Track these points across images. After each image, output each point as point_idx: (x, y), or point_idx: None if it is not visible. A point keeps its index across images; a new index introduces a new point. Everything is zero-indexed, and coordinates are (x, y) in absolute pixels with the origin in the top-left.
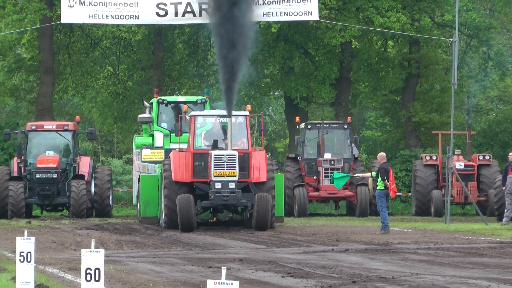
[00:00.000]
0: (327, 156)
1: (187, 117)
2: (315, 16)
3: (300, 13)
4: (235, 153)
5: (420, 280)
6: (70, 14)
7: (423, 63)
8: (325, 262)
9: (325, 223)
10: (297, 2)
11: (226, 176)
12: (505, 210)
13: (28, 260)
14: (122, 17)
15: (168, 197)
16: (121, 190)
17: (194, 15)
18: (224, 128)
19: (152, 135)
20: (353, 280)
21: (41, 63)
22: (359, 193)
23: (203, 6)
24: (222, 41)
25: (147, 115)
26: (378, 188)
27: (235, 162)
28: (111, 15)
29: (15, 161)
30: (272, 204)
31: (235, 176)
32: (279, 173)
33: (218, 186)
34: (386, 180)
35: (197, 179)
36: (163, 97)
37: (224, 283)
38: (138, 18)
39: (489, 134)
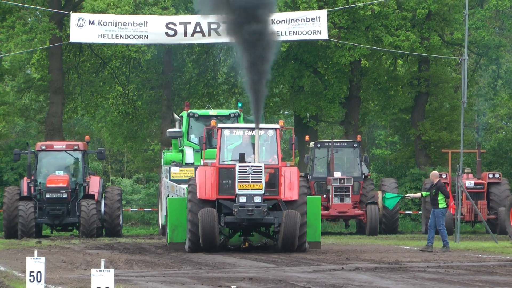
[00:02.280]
0: (337, 174)
1: (215, 131)
2: (324, 35)
3: (309, 32)
4: (261, 164)
5: None
6: (79, 33)
7: (433, 82)
8: (335, 281)
9: (335, 242)
10: (306, 21)
11: (251, 189)
12: None
13: (38, 280)
14: (131, 36)
15: (193, 211)
16: (131, 209)
17: (203, 34)
18: (253, 142)
19: (181, 151)
20: None
21: (50, 83)
22: (369, 211)
23: (212, 26)
24: (246, 51)
25: (176, 129)
26: (440, 206)
27: (260, 174)
28: (120, 35)
29: (25, 181)
30: (302, 222)
31: (260, 189)
32: (315, 195)
33: (243, 199)
34: (447, 198)
35: (223, 195)
36: (193, 110)
37: None
38: (147, 38)
39: (498, 152)
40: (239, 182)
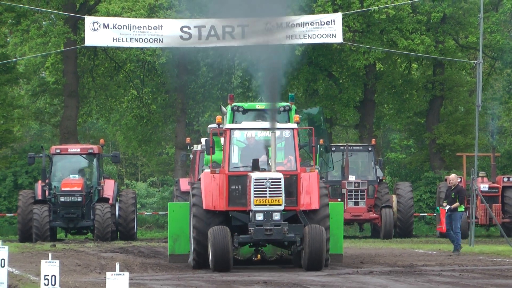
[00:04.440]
0: (352, 178)
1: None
2: (339, 39)
3: (324, 36)
4: (281, 176)
5: None
6: (94, 37)
7: (447, 85)
8: (350, 285)
9: (349, 246)
10: (321, 25)
11: (270, 205)
12: None
13: (53, 283)
14: (146, 40)
15: (198, 228)
16: (145, 213)
17: (218, 38)
18: (266, 144)
19: None
20: None
21: (65, 87)
22: (384, 215)
23: (227, 30)
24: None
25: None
26: (458, 209)
27: (280, 188)
28: (135, 39)
29: (39, 185)
30: (327, 238)
31: (280, 205)
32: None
33: (260, 217)
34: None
35: (234, 207)
36: (239, 104)
37: None
38: (162, 42)
39: None
40: (255, 196)
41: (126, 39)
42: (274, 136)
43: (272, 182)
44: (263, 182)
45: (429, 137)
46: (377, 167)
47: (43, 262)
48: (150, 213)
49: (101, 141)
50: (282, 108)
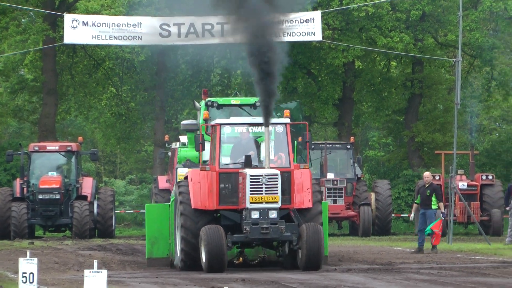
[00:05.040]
0: (330, 176)
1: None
2: (318, 37)
3: (303, 34)
4: (277, 172)
5: None
6: (73, 34)
7: (426, 83)
8: (328, 282)
9: (328, 243)
10: (300, 22)
11: (266, 202)
12: (509, 230)
13: (31, 281)
14: (125, 38)
15: (187, 227)
16: (126, 211)
17: (197, 35)
18: (256, 141)
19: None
20: None
21: (44, 84)
22: (362, 213)
23: (206, 27)
24: (252, 33)
25: (192, 121)
26: (433, 207)
27: (277, 184)
28: (114, 36)
29: (18, 182)
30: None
31: (277, 202)
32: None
33: (255, 215)
34: (440, 202)
35: (224, 205)
36: (213, 99)
37: None
38: (141, 39)
39: (492, 154)
40: (251, 194)
41: (105, 37)
42: (268, 131)
43: (268, 178)
44: (259, 178)
45: (407, 135)
46: (356, 165)
47: (21, 259)
48: (131, 211)
49: (80, 138)
50: (258, 103)
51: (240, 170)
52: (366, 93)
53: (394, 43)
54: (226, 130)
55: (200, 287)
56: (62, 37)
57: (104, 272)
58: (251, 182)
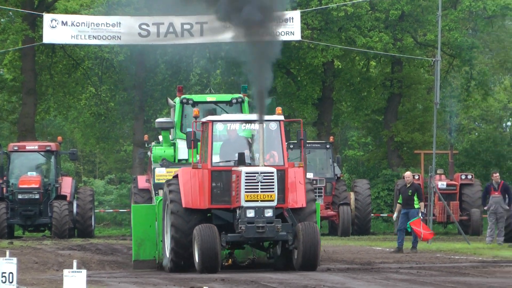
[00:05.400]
0: (309, 175)
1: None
2: (297, 36)
3: (283, 33)
4: (273, 170)
5: None
6: (52, 34)
7: (406, 83)
8: (307, 282)
9: None
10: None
11: (261, 200)
12: (488, 229)
13: (10, 280)
14: (104, 37)
15: (177, 226)
16: (105, 211)
17: (176, 35)
18: (248, 138)
19: (174, 145)
20: None
21: (23, 84)
22: (341, 212)
23: (185, 27)
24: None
25: (167, 119)
26: (416, 206)
27: (273, 182)
28: (93, 36)
29: None
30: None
31: (273, 200)
32: None
33: (251, 214)
34: (421, 201)
35: (217, 204)
36: (188, 96)
37: None
38: (120, 39)
39: (471, 153)
40: (246, 192)
41: (84, 36)
42: (263, 128)
43: (264, 176)
44: (254, 176)
45: (387, 135)
46: (335, 164)
47: (0, 259)
48: (111, 210)
49: (59, 138)
50: (235, 100)
51: (234, 168)
52: (346, 92)
53: (373, 42)
54: (218, 127)
55: (180, 287)
56: (41, 36)
57: (84, 271)
58: (246, 180)
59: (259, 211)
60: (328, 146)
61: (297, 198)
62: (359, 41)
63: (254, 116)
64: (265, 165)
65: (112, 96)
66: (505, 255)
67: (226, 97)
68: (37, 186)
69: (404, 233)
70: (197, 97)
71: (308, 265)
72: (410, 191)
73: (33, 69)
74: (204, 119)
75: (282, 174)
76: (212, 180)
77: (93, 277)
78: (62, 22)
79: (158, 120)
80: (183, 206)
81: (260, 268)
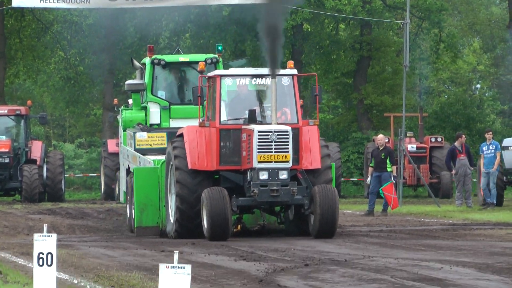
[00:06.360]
0: None
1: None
2: None
3: None
4: (288, 128)
5: (373, 263)
6: None
7: (375, 46)
8: (278, 246)
9: None
10: None
11: (275, 161)
12: (456, 193)
13: None
14: (73, 1)
15: (183, 196)
16: (75, 175)
17: None
18: (259, 94)
19: (145, 108)
20: (305, 263)
21: None
22: None
23: None
24: None
25: (138, 80)
26: (388, 170)
27: (288, 142)
28: None
29: None
30: None
31: (288, 161)
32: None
33: (264, 176)
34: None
35: (226, 166)
36: (159, 56)
37: (176, 266)
38: (89, 2)
39: (441, 116)
40: (259, 152)
41: (53, 0)
42: (275, 83)
43: (278, 135)
44: (268, 135)
45: (356, 98)
46: None
47: None
48: (81, 175)
49: (29, 102)
50: (209, 60)
51: (244, 126)
52: (315, 55)
53: (342, 5)
54: (227, 82)
55: (150, 251)
56: (10, 1)
57: (54, 236)
58: (259, 139)
59: (273, 172)
60: None
61: (312, 159)
62: (328, 3)
63: (265, 70)
64: (277, 123)
65: (82, 60)
66: (475, 218)
67: (200, 57)
68: (7, 150)
69: (375, 197)
70: (169, 57)
71: (326, 231)
72: (383, 154)
73: (2, 33)
74: (211, 74)
75: (296, 133)
76: (221, 139)
77: (64, 241)
78: None
79: (128, 82)
80: (189, 167)
81: (271, 234)
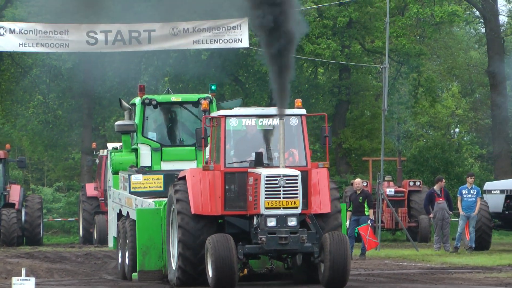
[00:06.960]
0: None
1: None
2: (245, 43)
3: (230, 41)
4: (298, 173)
5: None
6: (0, 42)
7: (354, 90)
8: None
9: None
10: (227, 29)
11: (284, 207)
12: (435, 236)
13: None
14: (52, 45)
15: (185, 242)
16: (53, 219)
17: (124, 43)
18: (266, 135)
19: (135, 150)
20: None
21: None
22: None
23: (133, 35)
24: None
25: (128, 121)
26: (366, 213)
27: (297, 187)
28: (41, 43)
29: None
30: None
31: (297, 207)
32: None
33: (272, 223)
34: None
35: (231, 211)
36: (150, 96)
37: None
38: (68, 46)
39: (419, 160)
40: (267, 198)
41: (32, 44)
42: (283, 124)
43: (287, 180)
44: (276, 180)
45: (335, 142)
46: None
47: None
48: (59, 219)
49: (7, 146)
50: (203, 100)
51: (251, 170)
52: (294, 99)
53: (321, 50)
54: (232, 122)
55: None
56: None
57: (32, 279)
58: (267, 184)
59: (282, 219)
60: None
61: (321, 203)
62: (307, 48)
63: (272, 110)
64: (285, 166)
65: (60, 103)
66: (453, 262)
67: (193, 97)
68: None
69: (353, 240)
70: (160, 97)
71: (337, 281)
72: (361, 198)
73: None
74: (214, 114)
75: (305, 176)
76: (226, 183)
77: (42, 285)
78: (10, 29)
79: (118, 122)
80: (192, 212)
81: (279, 279)
